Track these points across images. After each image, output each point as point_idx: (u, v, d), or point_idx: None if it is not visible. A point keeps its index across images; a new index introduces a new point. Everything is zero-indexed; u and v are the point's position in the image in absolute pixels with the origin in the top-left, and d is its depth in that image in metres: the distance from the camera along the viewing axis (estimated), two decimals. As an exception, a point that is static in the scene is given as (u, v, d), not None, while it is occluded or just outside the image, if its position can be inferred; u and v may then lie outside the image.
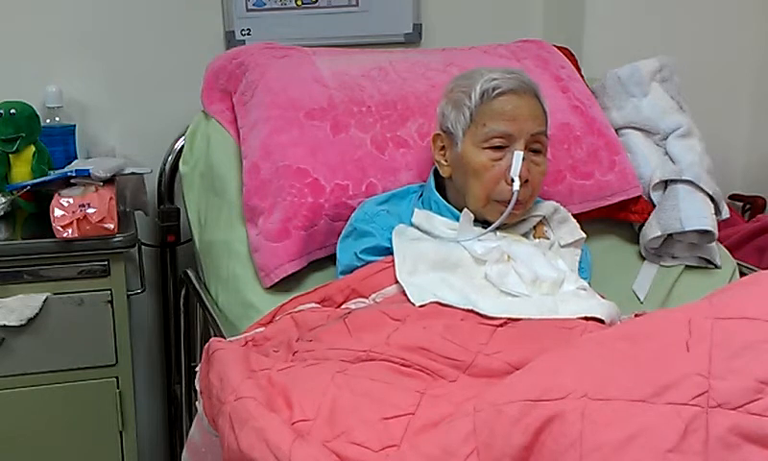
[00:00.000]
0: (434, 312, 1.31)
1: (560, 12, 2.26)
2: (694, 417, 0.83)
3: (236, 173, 1.73)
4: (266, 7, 2.10)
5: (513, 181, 1.45)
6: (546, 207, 1.58)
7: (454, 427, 0.95)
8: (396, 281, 1.42)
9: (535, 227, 1.57)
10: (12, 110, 1.77)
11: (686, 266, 1.78)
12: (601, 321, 1.34)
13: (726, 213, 1.80)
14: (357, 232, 1.56)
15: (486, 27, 2.23)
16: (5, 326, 1.65)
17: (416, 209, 1.55)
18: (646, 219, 1.79)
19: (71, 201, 1.68)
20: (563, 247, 1.56)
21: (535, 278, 1.40)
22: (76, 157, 1.93)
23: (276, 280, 1.58)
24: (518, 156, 1.46)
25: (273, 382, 1.12)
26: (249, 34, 2.09)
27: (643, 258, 1.80)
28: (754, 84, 2.29)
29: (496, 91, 1.48)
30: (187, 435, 1.37)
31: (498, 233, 1.49)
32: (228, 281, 1.66)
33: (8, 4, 1.94)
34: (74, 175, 1.74)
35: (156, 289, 2.10)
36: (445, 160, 1.55)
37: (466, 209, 1.49)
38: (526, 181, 1.47)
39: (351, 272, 1.51)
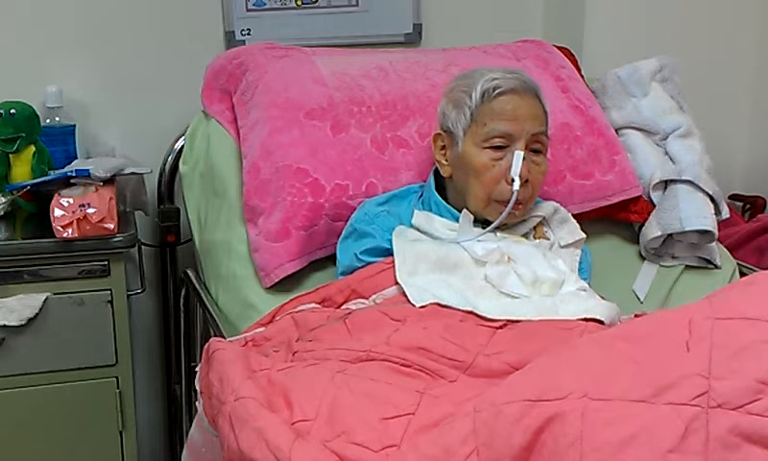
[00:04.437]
0: (434, 313, 1.31)
1: (560, 13, 2.26)
2: (694, 417, 0.83)
3: (236, 173, 1.73)
4: (266, 7, 2.10)
5: (513, 180, 1.45)
6: (546, 208, 1.58)
7: (454, 427, 0.95)
8: (396, 282, 1.42)
9: (535, 227, 1.57)
10: (12, 110, 1.77)
11: (686, 266, 1.78)
12: (601, 322, 1.34)
13: (726, 213, 1.80)
14: (357, 233, 1.56)
15: (486, 27, 2.23)
16: (5, 326, 1.65)
17: (415, 211, 1.55)
18: (646, 219, 1.78)
19: (71, 201, 1.68)
20: (563, 247, 1.56)
21: (535, 278, 1.40)
22: (76, 157, 1.93)
23: (276, 280, 1.58)
24: (519, 155, 1.46)
25: (272, 382, 1.12)
26: (249, 34, 2.09)
27: (643, 258, 1.80)
28: (754, 84, 2.29)
29: (497, 91, 1.48)
30: (187, 435, 1.37)
31: (498, 234, 1.49)
32: (228, 281, 1.66)
33: (8, 4, 1.94)
34: (74, 175, 1.74)
35: (156, 289, 2.10)
36: (446, 160, 1.55)
37: (465, 210, 1.49)
38: (526, 180, 1.47)
39: (351, 273, 1.51)
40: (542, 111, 1.52)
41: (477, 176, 1.48)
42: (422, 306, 1.33)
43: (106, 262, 1.71)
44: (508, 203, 1.45)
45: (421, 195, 1.60)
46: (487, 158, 1.48)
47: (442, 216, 1.53)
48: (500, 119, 1.47)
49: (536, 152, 1.50)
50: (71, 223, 1.66)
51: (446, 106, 1.54)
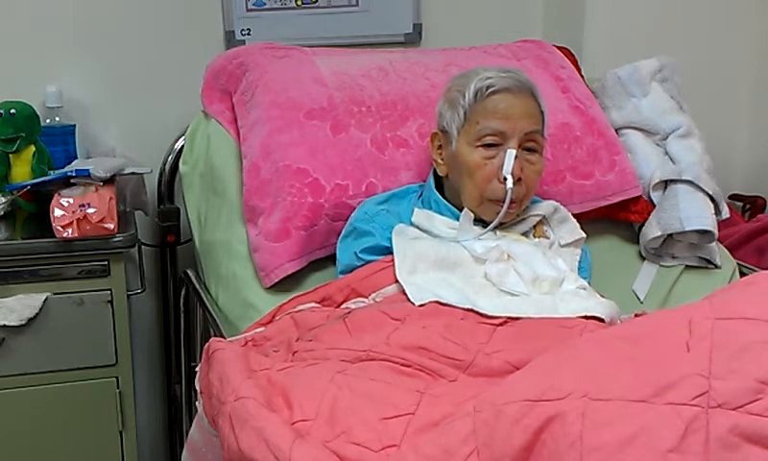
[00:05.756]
0: (434, 312, 1.31)
1: (560, 12, 2.26)
2: (694, 417, 0.83)
3: (236, 173, 1.73)
4: (266, 7, 2.10)
5: (505, 179, 1.45)
6: (546, 207, 1.58)
7: (454, 428, 0.95)
8: (396, 281, 1.42)
9: (534, 226, 1.57)
10: (12, 110, 1.77)
11: (686, 266, 1.78)
12: (601, 320, 1.34)
13: (726, 213, 1.80)
14: (357, 232, 1.56)
15: (486, 27, 2.23)
16: (5, 326, 1.65)
17: (416, 209, 1.55)
18: (646, 219, 1.79)
19: (71, 201, 1.68)
20: (562, 246, 1.56)
21: (534, 277, 1.40)
22: (76, 157, 1.93)
23: (276, 280, 1.58)
24: (511, 154, 1.46)
25: (272, 382, 1.12)
26: (249, 34, 2.09)
27: (643, 258, 1.80)
28: (753, 84, 2.29)
29: (490, 90, 1.48)
30: (187, 435, 1.37)
31: (498, 233, 1.49)
32: (228, 281, 1.66)
33: (8, 4, 1.94)
34: (74, 175, 1.74)
35: (156, 289, 2.10)
36: (442, 159, 1.55)
37: (466, 209, 1.49)
38: (519, 179, 1.47)
39: (351, 271, 1.51)
40: (538, 111, 1.51)
41: (470, 175, 1.48)
42: (422, 305, 1.33)
43: (106, 262, 1.71)
44: (501, 201, 1.46)
45: (421, 194, 1.60)
46: (479, 157, 1.48)
47: (442, 214, 1.53)
48: (493, 118, 1.47)
49: (530, 150, 1.50)
50: (71, 223, 1.66)
51: (443, 105, 1.55)
